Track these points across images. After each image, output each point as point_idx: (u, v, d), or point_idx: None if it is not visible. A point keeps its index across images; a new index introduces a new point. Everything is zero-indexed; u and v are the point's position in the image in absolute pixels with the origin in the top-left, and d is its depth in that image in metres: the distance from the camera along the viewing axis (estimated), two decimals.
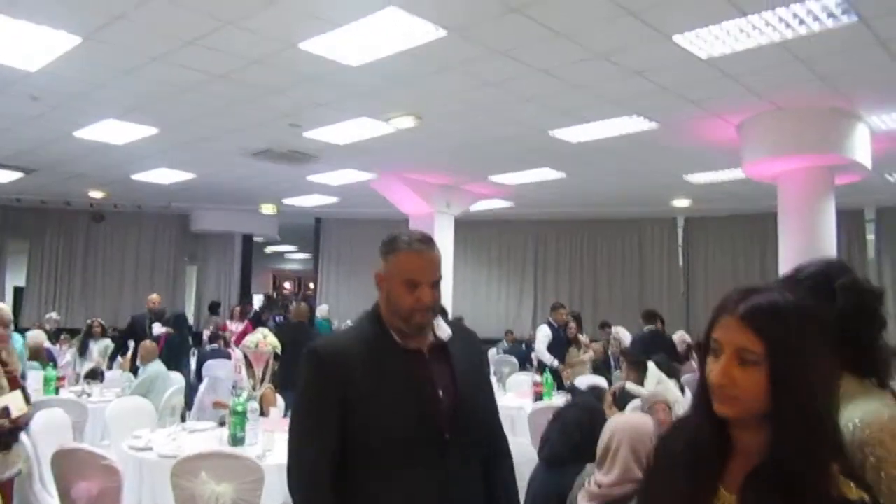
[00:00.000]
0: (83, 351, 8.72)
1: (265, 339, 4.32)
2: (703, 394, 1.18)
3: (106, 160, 9.10)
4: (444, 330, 1.84)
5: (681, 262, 13.10)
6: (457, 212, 10.75)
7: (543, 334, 7.70)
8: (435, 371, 1.78)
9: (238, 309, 11.30)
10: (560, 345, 7.56)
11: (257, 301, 18.60)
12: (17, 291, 14.69)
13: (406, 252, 1.77)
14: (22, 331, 9.16)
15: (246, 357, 4.73)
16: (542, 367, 7.17)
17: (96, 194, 12.31)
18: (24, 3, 4.35)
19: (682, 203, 11.49)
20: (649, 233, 13.17)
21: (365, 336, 1.82)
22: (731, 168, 8.31)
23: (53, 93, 6.23)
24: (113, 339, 9.11)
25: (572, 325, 7.94)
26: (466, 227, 12.35)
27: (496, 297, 13.97)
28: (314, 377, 1.79)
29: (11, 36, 4.86)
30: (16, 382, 3.28)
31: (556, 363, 7.34)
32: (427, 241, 1.81)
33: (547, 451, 2.88)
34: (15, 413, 3.04)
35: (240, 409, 4.01)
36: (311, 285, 17.36)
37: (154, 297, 9.30)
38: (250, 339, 4.32)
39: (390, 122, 6.95)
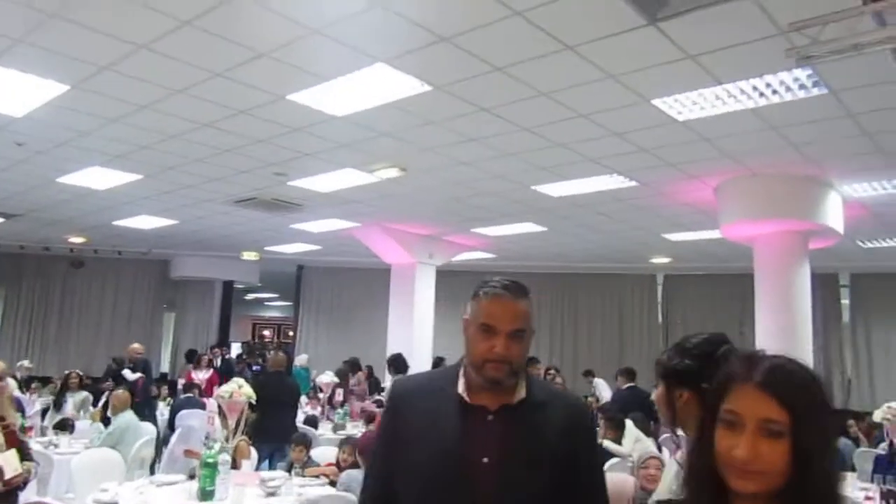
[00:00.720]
0: (59, 404, 8.18)
1: (240, 389, 4.25)
2: (705, 468, 1.08)
3: (88, 206, 9.08)
4: (532, 393, 1.68)
5: (660, 319, 13.17)
6: (439, 262, 10.79)
7: None
8: (492, 434, 1.63)
9: (205, 357, 11.10)
10: None
11: (236, 349, 18.37)
12: None
13: (486, 297, 1.68)
14: None
15: (220, 407, 4.66)
16: None
17: (76, 240, 12.23)
18: (15, 52, 4.39)
19: (661, 260, 11.64)
20: (629, 288, 13.28)
21: (440, 380, 1.74)
22: (708, 229, 8.46)
23: (38, 139, 6.25)
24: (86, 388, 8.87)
25: (559, 379, 7.89)
26: (448, 278, 12.36)
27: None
28: (384, 412, 1.86)
29: (0, 85, 4.90)
30: (14, 438, 3.19)
31: None
32: (512, 289, 1.68)
33: None
34: (9, 473, 2.94)
35: (210, 460, 3.92)
36: (291, 333, 17.19)
37: (136, 346, 9.24)
38: (224, 389, 4.26)
39: (374, 172, 7.03)
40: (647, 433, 6.20)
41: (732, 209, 6.92)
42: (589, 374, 10.04)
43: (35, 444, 5.91)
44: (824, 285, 11.03)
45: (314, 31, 4.02)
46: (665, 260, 11.64)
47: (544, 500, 1.62)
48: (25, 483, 3.17)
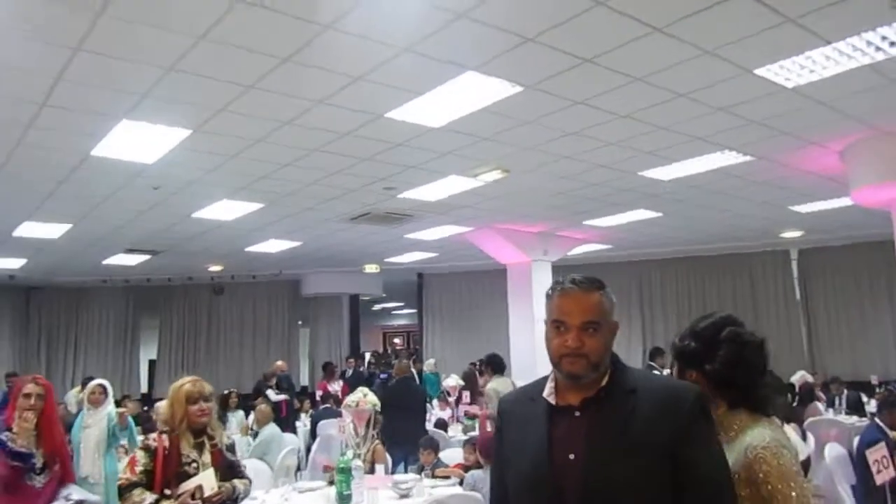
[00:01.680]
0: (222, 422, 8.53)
1: (365, 398, 4.46)
2: None
3: (221, 236, 9.81)
4: (618, 382, 1.64)
5: (798, 296, 12.37)
6: (554, 258, 10.73)
7: None
8: (578, 430, 1.60)
9: (337, 369, 11.64)
10: None
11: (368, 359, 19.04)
12: (151, 364, 15.87)
13: (556, 294, 1.68)
14: (154, 401, 9.87)
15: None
16: None
17: (215, 268, 13.24)
18: (143, 107, 4.88)
19: (792, 234, 10.95)
20: (760, 267, 12.57)
21: (534, 388, 1.76)
22: (841, 196, 7.90)
23: (171, 180, 6.86)
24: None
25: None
26: (566, 273, 12.24)
27: None
28: (496, 425, 1.87)
29: (133, 136, 5.44)
30: (219, 457, 3.18)
31: None
32: (581, 283, 1.67)
33: None
34: (207, 492, 2.96)
35: (344, 466, 4.15)
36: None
37: (280, 363, 9.90)
38: (351, 398, 4.48)
39: (478, 177, 7.13)
40: (789, 420, 5.89)
41: (862, 173, 6.43)
42: None
43: None
44: None
45: (403, 50, 4.18)
46: (797, 234, 10.94)
47: (636, 493, 1.53)
48: (234, 500, 3.16)
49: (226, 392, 9.07)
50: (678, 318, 13.04)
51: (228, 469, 3.21)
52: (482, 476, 4.13)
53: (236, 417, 8.57)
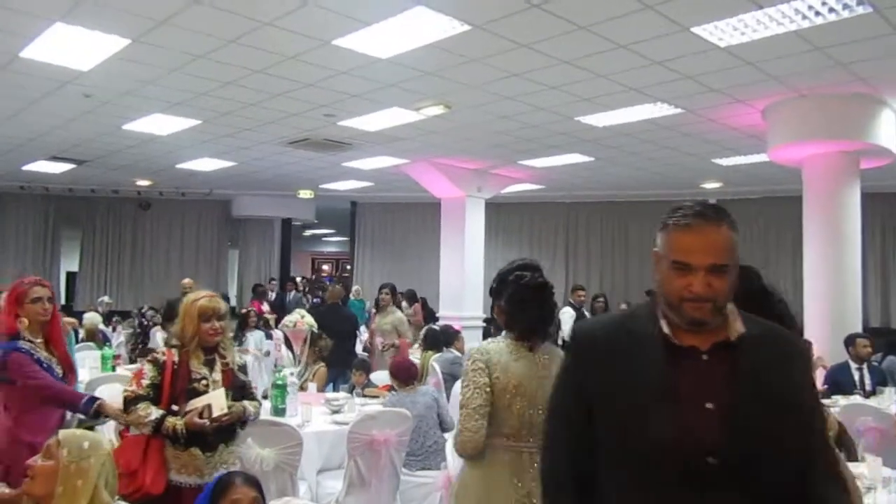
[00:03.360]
0: (239, 340, 7.70)
1: (302, 319, 4.65)
2: None
3: (152, 151, 9.56)
4: (749, 328, 1.47)
5: None
6: (488, 195, 10.98)
7: (568, 316, 7.94)
8: (711, 377, 1.42)
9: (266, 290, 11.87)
10: None
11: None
12: (70, 276, 15.46)
13: (677, 227, 1.45)
14: (77, 314, 9.74)
15: (285, 335, 5.10)
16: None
17: (143, 183, 12.88)
18: (80, 10, 4.71)
19: (712, 185, 11.53)
20: None
21: (634, 322, 1.54)
22: (759, 153, 8.38)
23: (104, 90, 6.64)
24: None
25: (599, 305, 8.16)
26: (497, 210, 12.57)
27: None
28: (568, 362, 1.65)
29: (67, 40, 5.25)
30: (230, 377, 3.05)
31: None
32: (704, 215, 1.44)
33: None
34: (216, 412, 2.84)
35: (280, 383, 4.36)
36: (349, 267, 17.78)
37: (187, 281, 9.62)
38: (288, 319, 4.67)
39: (420, 111, 7.21)
40: None
41: (780, 131, 6.86)
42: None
43: (124, 370, 6.53)
44: (884, 204, 10.81)
45: None
46: (716, 185, 11.52)
47: (783, 447, 1.40)
48: (243, 422, 3.06)
49: (245, 310, 8.71)
50: (602, 259, 13.65)
51: (239, 390, 3.08)
52: (403, 400, 4.42)
53: (254, 337, 8.21)
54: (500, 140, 8.55)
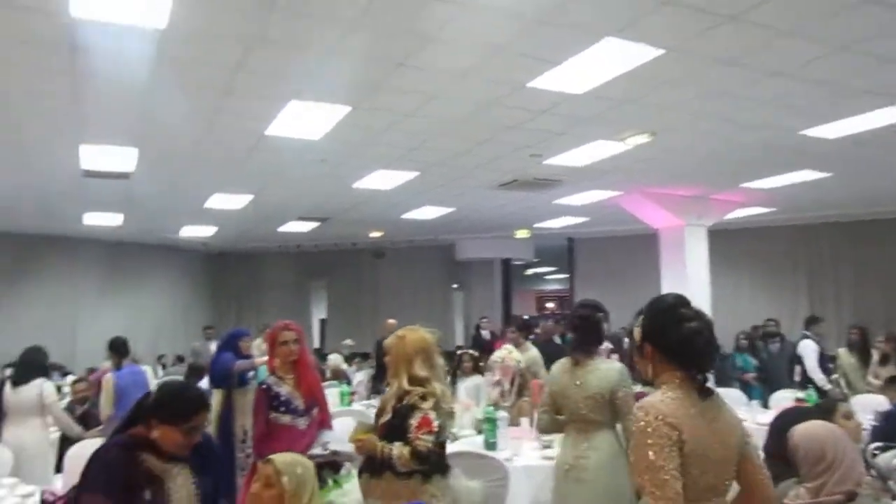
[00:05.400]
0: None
1: (510, 354, 4.76)
2: None
3: (380, 204, 10.49)
4: None
5: None
6: (709, 223, 10.37)
7: (811, 350, 7.14)
8: None
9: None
10: (823, 361, 6.97)
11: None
12: (322, 323, 17.33)
13: None
14: (324, 356, 10.85)
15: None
16: (805, 384, 6.68)
17: (375, 234, 14.13)
18: (308, 87, 5.43)
19: None
20: None
21: None
22: None
23: (334, 153, 7.48)
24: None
25: (854, 338, 7.20)
26: (722, 238, 11.79)
27: (764, 313, 12.96)
28: None
29: (300, 115, 6.05)
30: None
31: (826, 384, 6.78)
32: None
33: None
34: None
35: (490, 417, 4.50)
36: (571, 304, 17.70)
37: (391, 321, 9.82)
38: (497, 355, 4.80)
39: (625, 140, 7.10)
40: None
41: None
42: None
43: (359, 405, 7.12)
44: None
45: (538, 22, 4.33)
46: None
47: None
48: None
49: (459, 353, 6.92)
50: (852, 286, 12.11)
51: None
52: None
53: (465, 384, 6.25)
54: (713, 163, 8.09)
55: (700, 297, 10.08)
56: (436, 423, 2.93)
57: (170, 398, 2.30)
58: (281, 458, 2.30)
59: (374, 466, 3.00)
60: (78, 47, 4.56)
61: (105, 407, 5.77)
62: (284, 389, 3.89)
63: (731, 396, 7.07)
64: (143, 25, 4.26)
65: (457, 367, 6.33)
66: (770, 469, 2.13)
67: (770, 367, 8.23)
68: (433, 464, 2.97)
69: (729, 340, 9.38)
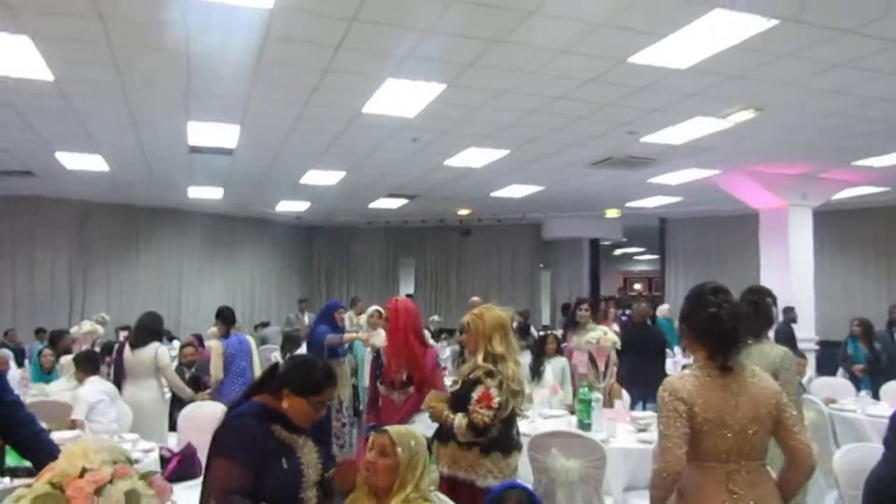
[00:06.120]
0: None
1: (605, 336, 4.70)
2: None
3: (469, 182, 10.50)
4: None
5: None
6: (815, 203, 9.83)
7: None
8: None
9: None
10: None
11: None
12: (408, 297, 17.59)
13: None
14: None
15: (590, 353, 5.20)
16: None
17: (463, 212, 14.19)
18: (405, 65, 5.47)
19: None
20: None
21: None
22: None
23: (427, 131, 7.53)
24: None
25: None
26: (830, 219, 11.18)
27: (874, 297, 12.24)
28: None
29: (397, 93, 6.11)
30: None
31: None
32: None
33: None
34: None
35: (584, 398, 4.46)
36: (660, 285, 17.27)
37: (475, 298, 8.81)
38: (592, 336, 4.75)
39: (728, 117, 6.80)
40: None
41: None
42: None
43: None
44: None
45: None
46: None
47: None
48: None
49: (543, 334, 6.83)
50: None
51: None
52: None
53: (552, 366, 5.86)
54: (824, 140, 7.64)
55: (803, 280, 9.63)
56: (496, 400, 3.02)
57: (303, 372, 2.36)
58: (395, 430, 2.37)
59: (442, 434, 3.17)
60: (192, 27, 4.76)
61: (216, 372, 6.10)
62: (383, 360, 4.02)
63: (838, 386, 6.75)
64: (251, 5, 4.40)
65: (542, 348, 6.07)
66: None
67: (891, 356, 7.70)
68: (493, 440, 3.06)
69: (839, 327, 8.93)
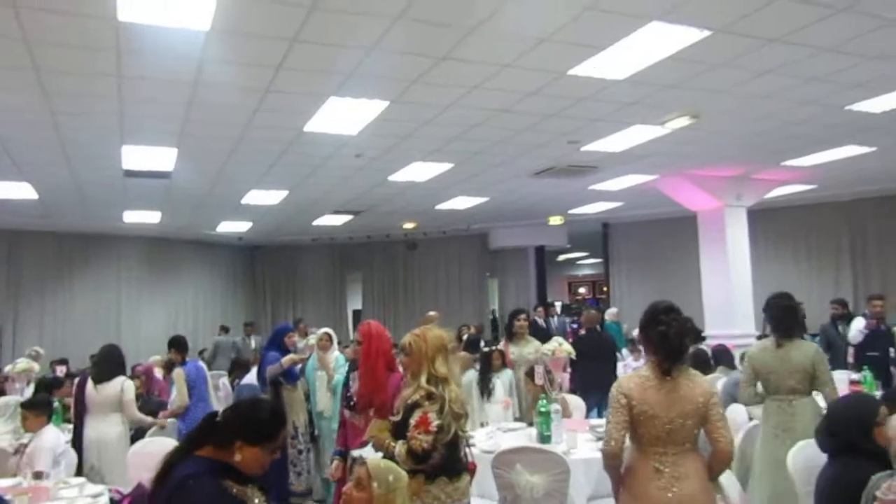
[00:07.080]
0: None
1: (560, 347, 4.74)
2: None
3: (414, 196, 10.48)
4: None
5: None
6: (749, 202, 10.18)
7: (857, 329, 7.00)
8: None
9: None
10: (879, 339, 6.82)
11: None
12: (356, 314, 17.42)
13: None
14: None
15: (545, 364, 5.22)
16: (860, 364, 6.54)
17: (409, 225, 14.14)
18: (348, 85, 5.42)
19: None
20: None
21: None
22: None
23: (371, 148, 7.48)
24: None
25: None
26: (762, 218, 11.59)
27: (807, 292, 12.71)
28: None
29: (340, 111, 6.05)
30: None
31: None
32: None
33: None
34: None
35: (544, 410, 4.48)
36: (605, 289, 17.57)
37: (432, 314, 9.42)
38: (547, 347, 4.77)
39: (665, 125, 6.99)
40: None
41: None
42: None
43: None
44: None
45: (585, 9, 4.26)
46: None
47: None
48: None
49: (488, 349, 6.41)
50: None
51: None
52: None
53: (501, 379, 5.82)
54: (757, 142, 7.93)
55: (742, 277, 9.94)
56: (434, 424, 2.89)
57: (253, 419, 2.23)
58: (375, 463, 2.26)
59: None
60: (124, 50, 4.60)
61: (182, 398, 5.96)
62: (354, 386, 3.96)
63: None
64: (188, 27, 4.29)
65: (488, 364, 5.87)
66: (844, 466, 2.73)
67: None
68: (438, 466, 2.92)
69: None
